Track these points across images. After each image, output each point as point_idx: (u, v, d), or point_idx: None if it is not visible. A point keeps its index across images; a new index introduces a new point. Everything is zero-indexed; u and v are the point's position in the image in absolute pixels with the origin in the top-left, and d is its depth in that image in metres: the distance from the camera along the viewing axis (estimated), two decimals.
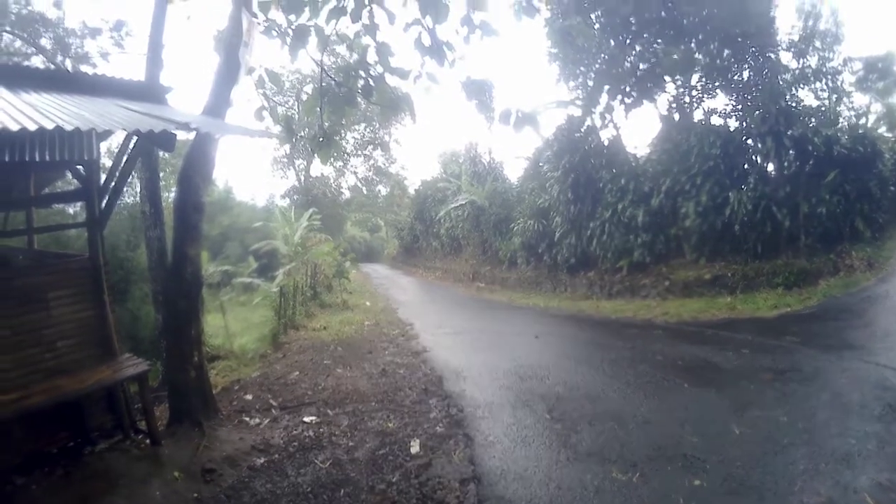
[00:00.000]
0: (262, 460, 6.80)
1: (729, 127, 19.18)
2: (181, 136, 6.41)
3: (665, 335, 12.82)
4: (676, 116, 20.75)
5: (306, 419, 8.29)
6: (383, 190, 54.94)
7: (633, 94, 21.25)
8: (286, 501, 5.70)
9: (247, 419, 8.40)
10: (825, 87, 20.30)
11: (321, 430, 7.82)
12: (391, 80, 7.36)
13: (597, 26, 20.70)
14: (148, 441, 7.03)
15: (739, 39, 19.06)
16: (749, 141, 18.17)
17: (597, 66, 21.39)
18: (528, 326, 15.47)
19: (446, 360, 11.62)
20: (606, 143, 21.77)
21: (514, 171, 31.67)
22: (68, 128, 4.47)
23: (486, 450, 6.75)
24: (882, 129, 26.49)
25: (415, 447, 6.95)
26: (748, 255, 17.05)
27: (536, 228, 23.73)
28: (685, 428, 7.06)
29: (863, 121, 21.27)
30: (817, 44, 21.98)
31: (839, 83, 20.96)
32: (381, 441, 7.25)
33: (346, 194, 51.92)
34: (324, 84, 7.87)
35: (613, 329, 14.41)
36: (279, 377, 11.09)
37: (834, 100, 20.23)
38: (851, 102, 22.47)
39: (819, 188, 16.63)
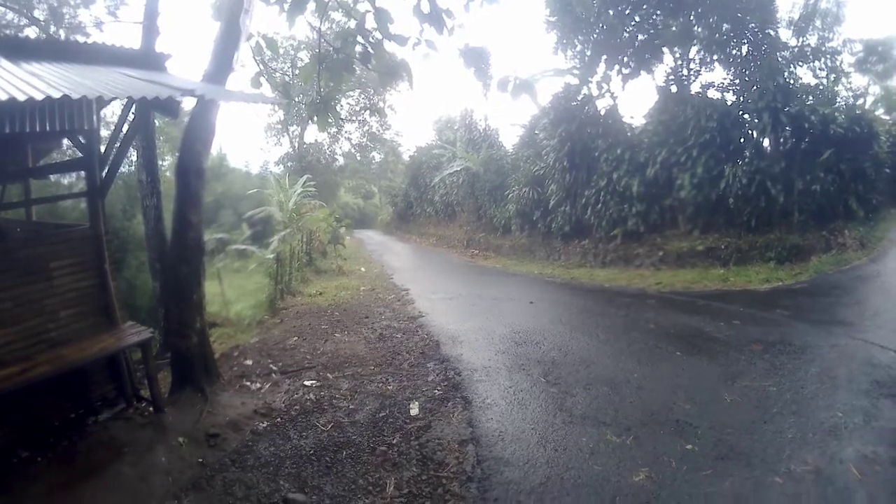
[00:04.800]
0: (264, 424, 6.95)
1: (726, 101, 19.11)
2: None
3: (658, 304, 12.99)
4: (674, 88, 20.63)
5: (307, 383, 8.44)
6: (377, 156, 54.88)
7: (631, 64, 21.21)
8: (290, 464, 5.82)
9: (248, 384, 8.54)
10: (824, 66, 20.19)
11: (322, 393, 7.97)
12: (389, 46, 7.35)
13: None
14: (151, 409, 7.15)
15: (739, 14, 18.93)
16: (745, 116, 18.12)
17: (595, 35, 21.28)
18: (523, 293, 15.69)
19: (443, 325, 11.78)
20: (603, 112, 21.73)
21: (509, 139, 31.57)
22: (75, 96, 4.52)
23: (484, 412, 6.91)
24: (879, 111, 26.50)
25: (414, 409, 7.11)
26: (742, 228, 17.14)
27: (531, 196, 23.78)
28: (677, 394, 7.23)
29: (860, 102, 21.04)
30: (817, 23, 21.83)
31: (838, 63, 20.89)
32: (380, 404, 7.40)
33: (340, 161, 51.87)
34: (321, 50, 7.87)
35: (607, 297, 14.56)
36: (278, 342, 11.22)
37: (832, 79, 20.06)
38: (850, 83, 22.35)
39: (814, 166, 16.66)
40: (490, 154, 29.40)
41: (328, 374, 8.79)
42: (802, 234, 16.45)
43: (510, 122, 51.02)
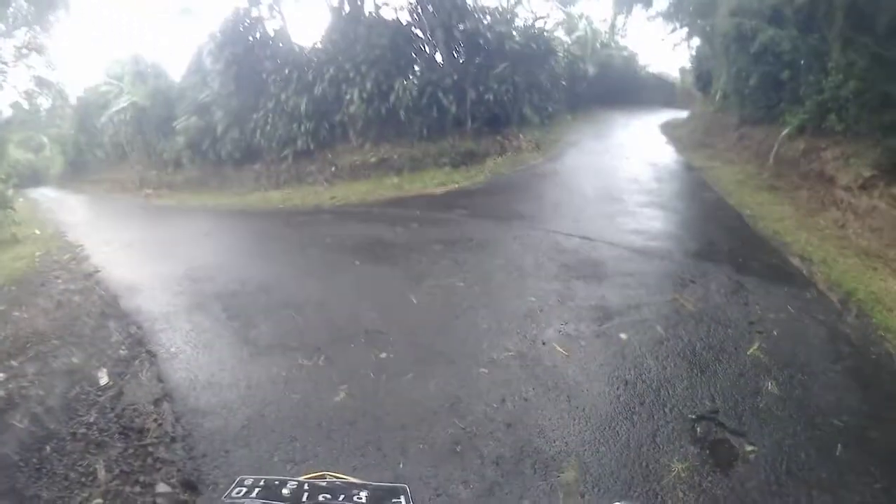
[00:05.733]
0: None
1: (400, 20, 19.78)
2: None
3: (333, 218, 13.53)
4: (347, 8, 20.79)
5: None
6: (45, 102, 49.69)
7: None
8: (2, 478, 5.05)
9: None
10: None
11: (10, 385, 7.11)
12: None
13: None
14: None
15: None
16: (419, 32, 19.07)
17: None
18: (198, 227, 15.62)
19: (119, 277, 11.05)
20: (273, 34, 21.61)
21: (180, 69, 30.29)
22: None
23: (171, 363, 6.65)
24: (560, 33, 29.07)
25: (103, 378, 6.65)
26: (414, 138, 18.37)
27: (198, 125, 23.28)
28: (362, 305, 7.50)
29: (540, 24, 22.63)
30: None
31: None
32: (70, 381, 6.79)
33: (7, 112, 46.41)
34: None
35: (282, 218, 14.91)
36: None
37: (514, 2, 21.95)
38: (532, 6, 24.00)
39: (488, 78, 17.97)
40: (157, 85, 28.21)
41: (12, 362, 7.89)
42: (476, 140, 17.92)
43: (180, 50, 48.49)
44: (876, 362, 5.64)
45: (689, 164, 16.95)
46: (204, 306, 8.43)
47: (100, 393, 6.36)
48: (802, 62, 13.11)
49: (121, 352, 7.36)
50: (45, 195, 37.46)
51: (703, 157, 17.34)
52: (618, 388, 5.11)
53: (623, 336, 6.06)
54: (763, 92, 15.02)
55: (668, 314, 6.64)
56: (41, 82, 44.63)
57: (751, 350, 5.66)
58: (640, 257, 8.79)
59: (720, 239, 9.85)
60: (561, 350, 5.74)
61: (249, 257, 11.14)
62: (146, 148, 29.20)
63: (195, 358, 6.69)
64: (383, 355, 5.94)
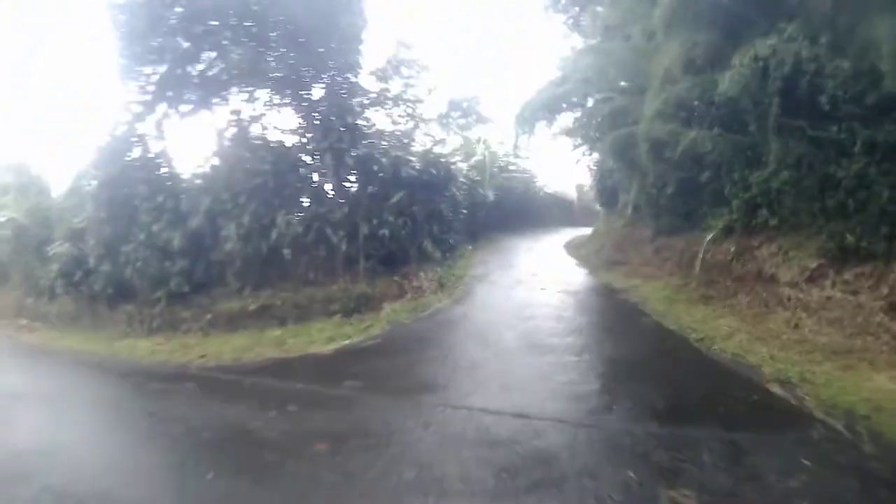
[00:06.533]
0: None
1: (285, 144, 18.35)
2: None
3: (197, 389, 10.80)
4: (232, 130, 19.08)
5: None
6: None
7: (193, 101, 19.43)
8: None
9: None
10: (404, 113, 21.53)
11: None
12: None
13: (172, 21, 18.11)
14: None
15: (321, 56, 18.17)
16: (306, 158, 17.78)
17: (163, 68, 18.80)
18: (47, 386, 12.85)
19: None
20: (151, 155, 19.69)
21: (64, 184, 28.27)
22: None
23: None
24: (458, 159, 29.09)
25: None
26: (299, 281, 16.59)
27: (72, 253, 20.71)
28: None
29: (438, 149, 22.52)
30: (404, 71, 22.49)
31: (417, 112, 22.47)
32: None
33: None
34: None
35: (141, 382, 12.11)
36: None
37: (411, 126, 21.45)
38: (430, 131, 24.34)
39: (383, 210, 16.71)
40: (38, 202, 25.89)
41: None
42: (371, 281, 16.25)
43: (66, 166, 45.93)
44: None
45: (610, 286, 16.19)
46: None
47: None
48: (726, 162, 13.02)
49: None
50: None
51: (622, 277, 16.92)
52: None
53: None
54: (681, 199, 15.30)
55: None
56: None
57: None
58: (603, 438, 6.62)
59: (684, 384, 8.39)
60: None
61: (85, 444, 8.48)
62: (25, 271, 26.13)
63: None
64: None
